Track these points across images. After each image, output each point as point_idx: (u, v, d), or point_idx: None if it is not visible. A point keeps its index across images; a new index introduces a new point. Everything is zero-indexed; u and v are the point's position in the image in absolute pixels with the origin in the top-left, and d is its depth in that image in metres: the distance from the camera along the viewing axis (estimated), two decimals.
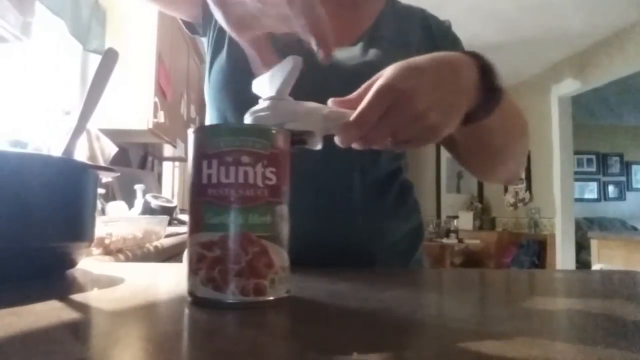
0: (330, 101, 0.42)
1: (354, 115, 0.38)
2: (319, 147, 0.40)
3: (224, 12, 0.40)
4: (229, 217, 0.30)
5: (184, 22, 0.71)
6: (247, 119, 0.39)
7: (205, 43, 0.72)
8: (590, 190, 6.28)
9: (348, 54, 0.64)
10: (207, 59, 0.70)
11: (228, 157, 0.31)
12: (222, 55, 0.64)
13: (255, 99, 0.40)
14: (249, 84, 0.41)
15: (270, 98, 0.39)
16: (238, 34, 0.41)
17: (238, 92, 0.60)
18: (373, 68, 0.62)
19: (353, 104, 0.40)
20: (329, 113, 0.40)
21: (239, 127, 0.35)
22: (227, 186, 0.31)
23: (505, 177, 0.66)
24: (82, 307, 0.32)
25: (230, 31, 0.41)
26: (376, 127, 0.38)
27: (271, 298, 0.31)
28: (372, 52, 0.64)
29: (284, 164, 0.33)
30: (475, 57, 0.44)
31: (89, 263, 0.55)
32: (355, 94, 0.41)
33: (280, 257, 0.32)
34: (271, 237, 0.32)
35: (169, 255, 1.37)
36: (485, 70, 0.43)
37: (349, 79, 0.60)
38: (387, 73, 0.39)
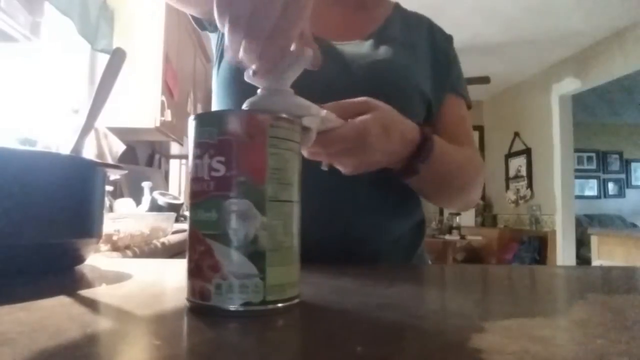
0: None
1: (328, 134, 0.42)
2: (309, 145, 0.40)
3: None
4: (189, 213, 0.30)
5: (194, 18, 0.72)
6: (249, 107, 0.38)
7: (213, 39, 0.72)
8: (591, 188, 6.34)
9: (358, 50, 0.65)
10: (216, 54, 0.70)
11: (193, 150, 0.30)
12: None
13: None
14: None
15: (270, 88, 0.37)
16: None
17: (245, 88, 0.61)
18: (381, 65, 0.63)
19: (333, 112, 0.43)
20: (327, 115, 0.41)
21: (198, 117, 0.30)
22: (191, 181, 0.30)
23: (460, 207, 0.73)
24: (91, 303, 0.32)
25: None
26: (336, 153, 0.45)
27: (219, 305, 0.27)
28: (382, 50, 0.65)
29: (240, 151, 0.28)
30: (424, 137, 0.52)
31: (97, 259, 0.55)
32: (333, 104, 0.45)
33: (230, 260, 0.27)
34: (217, 237, 0.28)
35: (176, 251, 1.38)
36: (420, 148, 0.52)
37: (358, 73, 0.61)
38: (371, 119, 0.45)
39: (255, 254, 0.28)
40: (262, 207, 0.28)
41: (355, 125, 0.44)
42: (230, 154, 0.28)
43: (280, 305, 0.29)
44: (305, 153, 0.43)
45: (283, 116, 0.30)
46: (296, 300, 0.30)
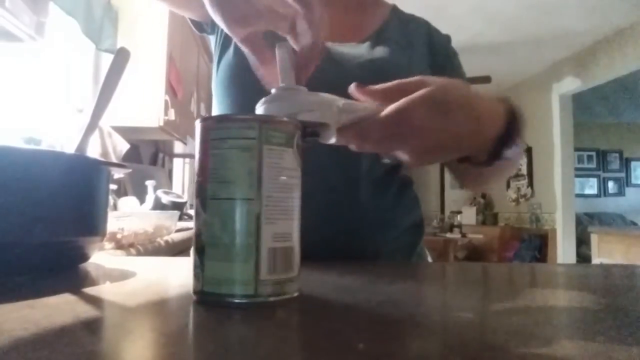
0: (352, 86, 0.40)
1: (361, 124, 0.38)
2: (332, 140, 0.38)
3: (219, 10, 0.40)
4: None
5: (192, 21, 0.73)
6: (259, 109, 0.37)
7: (212, 41, 0.73)
8: (591, 186, 6.37)
9: (356, 51, 0.65)
10: (215, 56, 0.71)
11: None
12: (229, 52, 0.65)
13: (261, 95, 0.39)
14: (256, 80, 0.41)
15: (284, 87, 0.37)
16: (233, 32, 0.41)
17: (245, 88, 0.61)
18: (379, 65, 0.63)
19: (375, 97, 0.39)
20: (345, 105, 0.38)
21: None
22: None
23: (490, 187, 0.69)
24: (95, 300, 0.32)
25: (227, 30, 0.41)
26: (379, 142, 0.39)
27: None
28: (379, 51, 0.65)
29: (198, 155, 0.32)
30: (509, 110, 0.44)
31: (101, 257, 0.56)
32: (380, 87, 0.40)
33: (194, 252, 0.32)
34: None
35: (180, 249, 1.39)
36: (510, 126, 0.43)
37: (356, 74, 0.61)
38: (417, 98, 0.38)
39: (199, 248, 0.31)
40: (205, 205, 0.31)
41: (391, 109, 0.37)
42: (196, 159, 0.32)
43: (217, 299, 0.30)
44: (352, 147, 0.40)
45: (227, 116, 0.32)
46: (238, 300, 0.30)
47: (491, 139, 0.42)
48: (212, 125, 0.32)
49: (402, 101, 0.38)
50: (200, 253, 0.31)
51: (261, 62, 0.41)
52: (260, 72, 0.41)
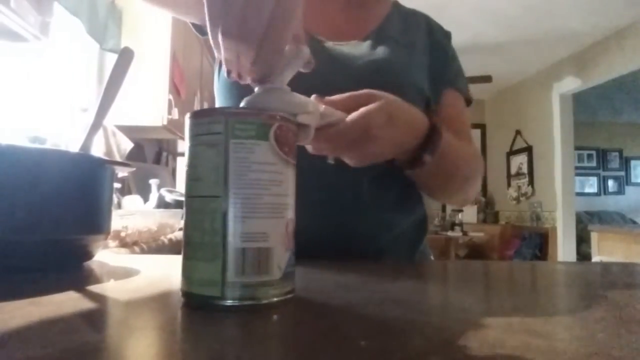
0: (314, 97, 0.42)
1: (331, 129, 0.41)
2: (308, 141, 0.38)
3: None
4: None
5: (193, 25, 0.73)
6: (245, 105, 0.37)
7: None
8: (591, 185, 6.38)
9: (356, 50, 0.65)
10: (216, 58, 0.71)
11: None
12: None
13: None
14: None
15: (267, 86, 0.36)
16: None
17: (245, 91, 0.61)
18: (380, 65, 0.63)
19: (335, 106, 0.43)
20: (325, 110, 0.40)
21: None
22: None
23: (459, 202, 0.73)
24: (99, 298, 0.32)
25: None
26: (343, 145, 0.44)
27: None
28: (380, 50, 0.65)
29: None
30: (432, 126, 0.51)
31: (105, 255, 0.56)
32: (338, 97, 0.44)
33: None
34: None
35: None
36: (428, 138, 0.51)
37: (357, 74, 0.61)
38: (375, 108, 0.43)
39: (182, 247, 0.31)
40: (185, 204, 0.31)
41: (357, 117, 0.42)
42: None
43: (189, 299, 0.30)
44: (309, 149, 0.43)
45: (200, 111, 0.31)
46: (205, 302, 0.29)
47: (414, 146, 0.51)
48: (190, 121, 0.31)
49: (363, 111, 0.43)
50: (182, 252, 0.31)
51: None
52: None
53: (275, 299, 0.29)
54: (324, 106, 0.41)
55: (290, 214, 0.31)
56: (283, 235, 0.30)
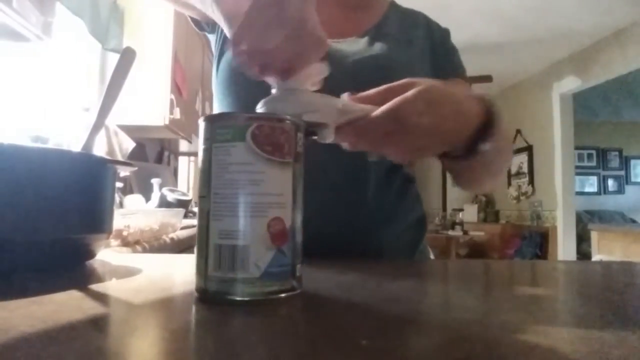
0: (345, 95, 0.41)
1: (358, 123, 0.39)
2: (329, 140, 0.39)
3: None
4: None
5: (192, 20, 0.73)
6: (260, 110, 0.38)
7: (212, 40, 0.73)
8: (591, 184, 6.38)
9: (354, 46, 0.65)
10: (215, 55, 0.71)
11: None
12: (229, 51, 0.65)
13: (262, 93, 0.39)
14: (256, 80, 0.42)
15: (285, 87, 0.37)
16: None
17: (245, 88, 0.61)
18: (377, 61, 0.63)
19: (369, 101, 0.40)
20: (344, 107, 0.39)
21: None
22: None
23: (488, 189, 0.69)
24: (101, 297, 0.33)
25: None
26: (374, 139, 0.40)
27: None
28: (378, 46, 0.65)
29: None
30: (488, 110, 0.46)
31: (107, 254, 0.56)
32: (373, 91, 0.41)
33: None
34: None
35: (185, 246, 1.40)
36: (487, 123, 0.45)
37: (354, 71, 0.61)
38: (410, 96, 0.39)
39: None
40: None
41: (386, 107, 0.39)
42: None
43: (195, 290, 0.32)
44: (345, 146, 0.41)
45: (208, 117, 0.33)
46: (200, 293, 0.31)
47: (469, 134, 0.44)
48: (199, 125, 0.34)
49: (395, 100, 0.39)
50: None
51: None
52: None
53: (247, 298, 0.30)
54: (344, 101, 0.39)
55: (279, 212, 0.31)
56: (263, 234, 0.30)
